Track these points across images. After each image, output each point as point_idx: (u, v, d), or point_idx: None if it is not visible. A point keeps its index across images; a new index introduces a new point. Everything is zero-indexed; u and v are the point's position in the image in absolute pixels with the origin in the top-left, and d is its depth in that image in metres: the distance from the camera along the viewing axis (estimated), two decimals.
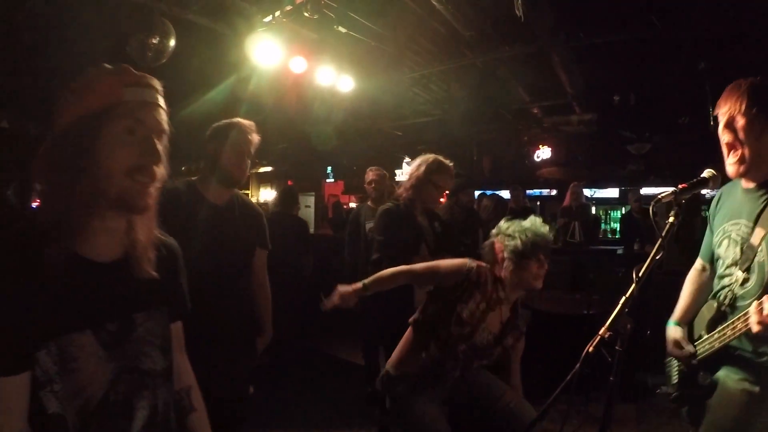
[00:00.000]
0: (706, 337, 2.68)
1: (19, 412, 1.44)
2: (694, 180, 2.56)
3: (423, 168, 4.63)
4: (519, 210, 9.50)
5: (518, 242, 3.48)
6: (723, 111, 2.56)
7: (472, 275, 3.56)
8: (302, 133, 11.26)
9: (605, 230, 14.54)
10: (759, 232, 2.51)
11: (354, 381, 6.40)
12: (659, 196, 2.50)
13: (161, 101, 1.69)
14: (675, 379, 2.97)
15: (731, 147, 2.57)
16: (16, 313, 1.41)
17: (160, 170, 1.63)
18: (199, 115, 5.53)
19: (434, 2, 6.34)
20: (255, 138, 3.39)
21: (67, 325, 1.50)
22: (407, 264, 3.93)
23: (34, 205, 1.75)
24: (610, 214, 15.58)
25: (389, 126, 12.07)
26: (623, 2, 6.97)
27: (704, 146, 9.36)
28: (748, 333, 2.37)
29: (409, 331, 3.78)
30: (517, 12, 6.15)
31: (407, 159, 14.44)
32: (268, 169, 16.65)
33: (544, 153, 13.43)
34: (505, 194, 10.04)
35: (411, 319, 3.77)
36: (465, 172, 7.75)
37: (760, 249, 2.47)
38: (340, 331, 7.15)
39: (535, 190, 15.79)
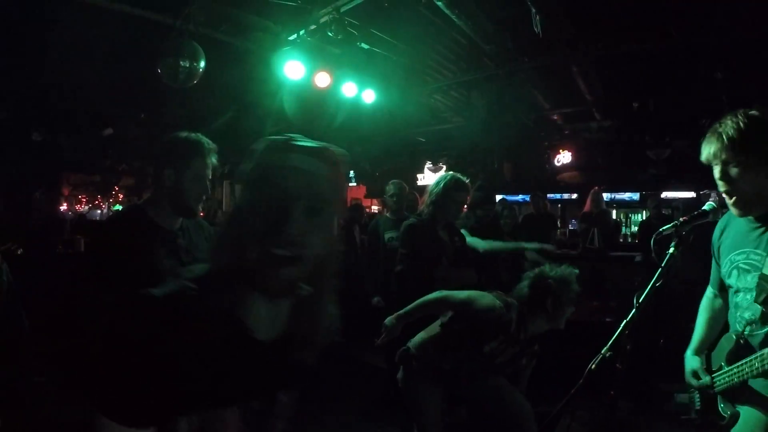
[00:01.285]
0: (726, 369, 2.73)
1: None
2: (695, 213, 2.69)
3: (442, 185, 4.86)
4: (539, 216, 9.64)
5: (557, 291, 3.74)
6: (713, 160, 2.60)
7: (500, 319, 3.79)
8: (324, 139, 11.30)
9: (626, 234, 14.54)
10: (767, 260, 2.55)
11: (376, 384, 6.52)
12: (661, 230, 2.64)
13: None
14: (698, 405, 2.98)
15: (729, 193, 2.59)
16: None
17: None
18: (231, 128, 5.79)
19: (454, 18, 6.54)
20: (215, 160, 2.96)
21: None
22: (429, 275, 4.24)
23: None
24: (630, 218, 15.62)
25: (411, 132, 12.24)
26: (640, 14, 7.09)
27: None
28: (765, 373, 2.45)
29: (438, 326, 4.03)
30: (535, 29, 6.34)
31: (429, 164, 14.65)
32: None
33: (564, 157, 13.48)
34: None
35: (443, 321, 4.01)
36: (487, 182, 7.86)
37: None
38: (362, 333, 7.32)
39: (556, 194, 15.91)
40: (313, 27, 6.27)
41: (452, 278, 4.59)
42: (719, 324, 2.95)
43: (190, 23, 5.89)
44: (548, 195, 15.67)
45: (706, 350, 2.98)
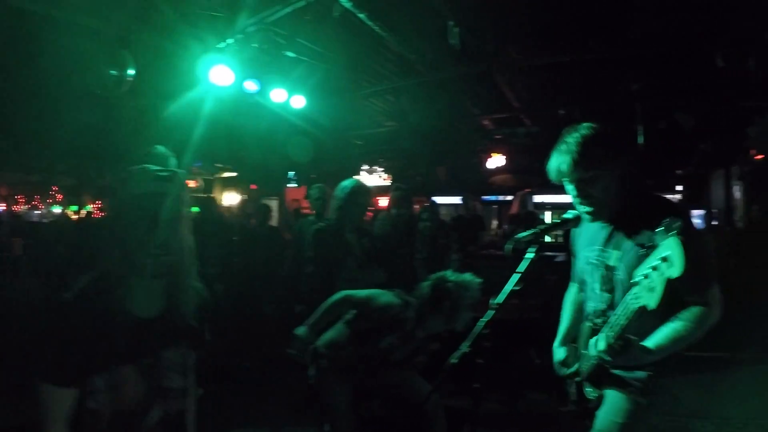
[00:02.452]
0: (585, 355, 2.93)
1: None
2: (556, 221, 2.97)
3: (346, 191, 5.16)
4: (468, 218, 9.98)
5: (455, 295, 4.02)
6: (564, 178, 2.74)
7: (398, 316, 4.10)
8: (264, 139, 11.43)
9: (557, 235, 14.88)
10: (614, 254, 2.73)
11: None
12: (520, 237, 2.83)
13: None
14: (573, 396, 3.12)
15: (582, 204, 2.77)
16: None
17: None
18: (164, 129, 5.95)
19: (377, 29, 6.79)
20: None
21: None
22: (336, 276, 4.54)
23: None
24: None
25: (348, 135, 12.40)
26: (561, 26, 7.42)
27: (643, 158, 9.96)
28: (618, 359, 2.65)
29: (343, 324, 4.29)
30: (451, 41, 6.64)
31: (365, 166, 14.84)
32: (233, 174, 16.81)
33: (497, 161, 13.79)
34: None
35: (347, 319, 4.26)
36: (408, 184, 8.09)
37: (617, 269, 2.70)
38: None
39: (491, 196, 16.29)
40: (240, 36, 6.47)
41: (359, 279, 4.86)
42: (582, 315, 3.11)
43: (119, 30, 6.04)
44: (484, 197, 16.10)
45: (571, 341, 3.19)
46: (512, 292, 2.75)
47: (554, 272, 8.57)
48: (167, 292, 2.34)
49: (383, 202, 14.49)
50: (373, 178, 14.93)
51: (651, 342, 2.56)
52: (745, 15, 6.96)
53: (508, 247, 2.85)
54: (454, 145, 13.16)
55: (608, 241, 2.82)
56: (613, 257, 2.75)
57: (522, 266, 2.77)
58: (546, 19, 7.19)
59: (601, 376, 2.85)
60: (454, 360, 2.83)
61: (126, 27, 6.11)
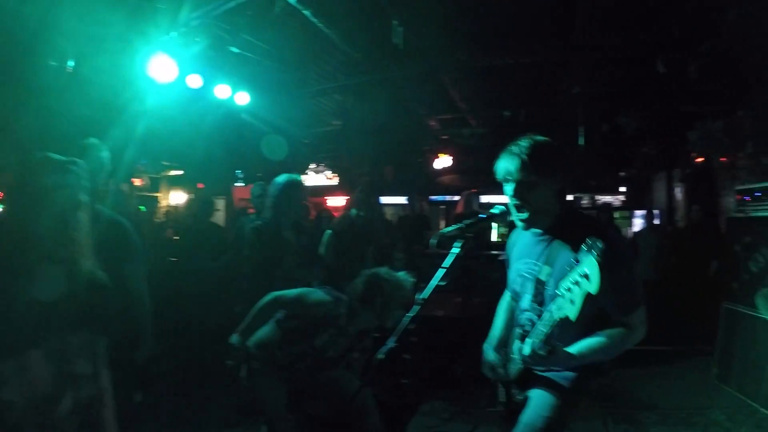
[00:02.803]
0: (514, 359, 3.01)
1: None
2: (482, 216, 3.01)
3: (279, 187, 5.12)
4: (413, 217, 10.00)
5: (387, 293, 4.05)
6: (508, 177, 2.79)
7: (330, 313, 4.09)
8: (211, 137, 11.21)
9: (503, 234, 15.06)
10: (545, 270, 2.81)
11: None
12: (444, 232, 2.93)
13: None
14: (503, 398, 3.22)
15: (520, 208, 2.82)
16: None
17: None
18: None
19: (321, 26, 6.79)
20: None
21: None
22: (274, 276, 4.51)
23: None
24: None
25: (295, 133, 12.32)
26: (506, 30, 7.55)
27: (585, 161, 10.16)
28: (542, 363, 2.79)
29: (274, 323, 4.24)
30: (394, 40, 6.67)
31: (312, 165, 14.81)
32: (179, 172, 16.48)
33: (444, 161, 13.87)
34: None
35: (277, 318, 4.23)
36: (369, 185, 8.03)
37: (547, 283, 2.77)
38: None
39: (439, 196, 16.39)
40: (183, 30, 6.40)
41: (296, 278, 4.82)
42: (514, 321, 3.17)
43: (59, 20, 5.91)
44: (432, 197, 16.17)
45: (502, 346, 3.26)
46: (446, 288, 2.85)
47: (498, 271, 8.68)
48: (68, 278, 2.45)
49: (332, 201, 14.60)
50: (320, 177, 14.88)
51: (574, 349, 2.69)
52: (685, 26, 7.17)
53: (433, 242, 2.98)
54: (400, 145, 13.19)
55: (541, 255, 2.90)
56: (545, 272, 2.83)
57: (447, 261, 2.83)
58: (491, 22, 7.25)
59: (528, 379, 2.97)
60: (381, 355, 2.86)
61: (66, 18, 5.98)
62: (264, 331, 4.26)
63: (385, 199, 15.87)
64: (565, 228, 2.82)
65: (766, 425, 5.68)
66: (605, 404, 6.39)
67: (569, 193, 3.02)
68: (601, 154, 12.21)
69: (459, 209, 10.23)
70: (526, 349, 2.71)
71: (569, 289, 2.39)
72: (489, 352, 3.28)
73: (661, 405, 6.52)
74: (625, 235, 13.08)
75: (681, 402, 6.54)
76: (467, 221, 2.98)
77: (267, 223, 5.16)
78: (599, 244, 2.31)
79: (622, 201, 16.57)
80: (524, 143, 2.78)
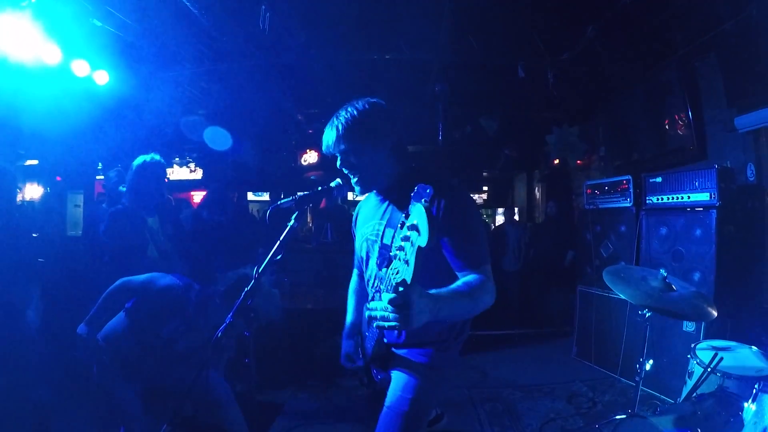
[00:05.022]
0: (367, 336, 3.05)
1: None
2: (319, 188, 3.00)
3: (135, 169, 5.00)
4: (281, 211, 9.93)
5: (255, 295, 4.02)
6: (332, 150, 2.83)
7: (178, 299, 4.00)
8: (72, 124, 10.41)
9: None
10: (389, 232, 2.78)
11: None
12: (279, 203, 2.89)
13: None
14: (365, 380, 3.22)
15: (351, 174, 2.86)
16: None
17: None
18: None
19: (191, 8, 6.56)
20: None
21: None
22: (135, 264, 4.33)
23: None
24: None
25: (158, 122, 11.77)
26: (371, 26, 7.62)
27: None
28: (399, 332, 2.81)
29: (122, 313, 4.15)
30: (261, 25, 6.56)
31: (177, 159, 14.28)
32: (34, 162, 15.31)
33: (311, 157, 13.86)
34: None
35: (126, 307, 4.12)
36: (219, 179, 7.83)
37: (393, 246, 2.61)
38: None
39: (306, 192, 16.22)
40: None
41: (160, 267, 4.59)
42: (364, 302, 3.12)
43: None
44: (300, 193, 16.06)
45: (356, 332, 3.30)
46: (310, 282, 2.84)
47: None
48: None
49: (198, 197, 14.09)
50: (183, 171, 14.38)
51: (431, 299, 2.30)
52: (543, 36, 7.54)
53: (269, 212, 2.92)
54: (265, 139, 13.04)
55: (383, 216, 2.92)
56: (389, 234, 2.79)
57: (283, 234, 2.82)
58: (355, 16, 7.28)
59: (386, 358, 2.97)
60: (219, 333, 2.87)
61: None
62: (113, 322, 4.14)
63: (250, 195, 15.73)
64: (403, 185, 2.56)
65: (629, 392, 6.03)
66: (472, 387, 6.62)
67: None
68: (464, 154, 12.54)
69: (323, 204, 10.34)
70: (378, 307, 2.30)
71: (401, 248, 2.07)
72: (345, 342, 3.33)
73: (526, 382, 6.83)
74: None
75: (545, 378, 6.86)
76: (301, 193, 2.94)
77: (126, 208, 4.96)
78: (428, 190, 2.06)
79: (484, 200, 17.20)
80: (342, 113, 2.82)
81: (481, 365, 7.57)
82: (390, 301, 2.05)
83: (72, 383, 4.87)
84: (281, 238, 2.78)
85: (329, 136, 2.81)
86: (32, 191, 15.98)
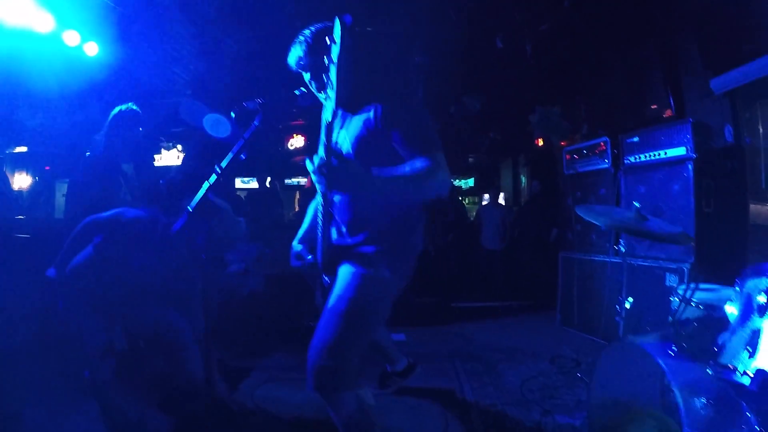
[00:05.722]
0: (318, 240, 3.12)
1: None
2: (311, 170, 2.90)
3: (110, 119, 5.18)
4: (264, 193, 10.12)
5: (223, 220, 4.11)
6: (299, 60, 2.95)
7: (146, 230, 4.15)
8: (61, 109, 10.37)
9: None
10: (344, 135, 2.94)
11: None
12: (244, 103, 2.99)
13: None
14: (319, 290, 3.33)
15: (316, 87, 2.98)
16: None
17: None
18: None
19: None
20: None
21: None
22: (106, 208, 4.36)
23: None
24: None
25: (150, 101, 11.56)
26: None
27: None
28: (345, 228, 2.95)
29: (91, 248, 4.25)
30: None
31: (163, 142, 14.21)
32: (23, 149, 14.88)
33: (297, 142, 13.92)
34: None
35: (95, 243, 4.23)
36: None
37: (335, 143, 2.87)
38: None
39: (293, 180, 16.48)
40: None
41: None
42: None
43: None
44: (286, 180, 16.07)
45: (308, 239, 3.40)
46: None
47: None
48: None
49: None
50: (172, 155, 14.38)
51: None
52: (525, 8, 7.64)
53: (235, 113, 3.00)
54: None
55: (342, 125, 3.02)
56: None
57: (248, 132, 2.95)
58: None
59: (334, 262, 3.03)
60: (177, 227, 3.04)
61: None
62: (80, 255, 4.18)
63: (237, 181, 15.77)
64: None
65: None
66: (454, 349, 6.72)
67: None
68: (449, 135, 12.61)
69: (308, 183, 10.41)
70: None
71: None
72: (296, 245, 3.40)
73: (509, 345, 6.93)
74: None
75: (529, 344, 6.96)
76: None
77: (99, 154, 5.05)
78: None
79: (471, 186, 17.37)
80: (306, 30, 2.94)
81: (464, 332, 7.68)
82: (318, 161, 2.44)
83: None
84: (245, 135, 2.88)
85: (297, 50, 2.94)
86: (21, 180, 15.72)
